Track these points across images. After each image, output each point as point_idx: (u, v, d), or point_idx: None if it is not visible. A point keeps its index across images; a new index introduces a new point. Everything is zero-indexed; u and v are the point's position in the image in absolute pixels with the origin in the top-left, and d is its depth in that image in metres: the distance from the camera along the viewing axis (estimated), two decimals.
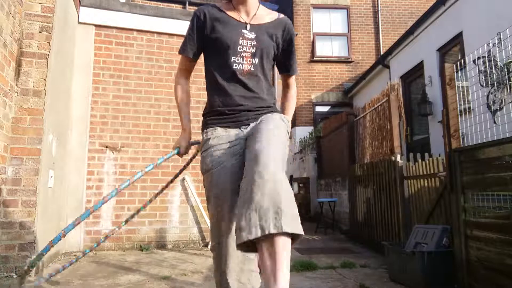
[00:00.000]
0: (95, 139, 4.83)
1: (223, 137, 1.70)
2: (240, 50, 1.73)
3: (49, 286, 3.05)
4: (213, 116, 1.76)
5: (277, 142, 1.53)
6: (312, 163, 9.08)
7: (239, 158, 1.64)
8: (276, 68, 2.03)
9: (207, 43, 1.80)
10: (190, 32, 1.84)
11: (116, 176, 4.84)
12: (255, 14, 1.81)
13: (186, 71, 1.93)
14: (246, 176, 1.41)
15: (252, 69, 1.75)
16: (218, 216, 1.61)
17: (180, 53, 1.89)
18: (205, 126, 1.78)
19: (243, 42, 1.74)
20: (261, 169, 1.35)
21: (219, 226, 1.61)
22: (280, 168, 1.40)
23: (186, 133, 1.92)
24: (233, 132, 1.71)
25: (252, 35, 1.76)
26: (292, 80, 2.00)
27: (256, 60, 1.76)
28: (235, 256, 1.59)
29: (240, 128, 1.72)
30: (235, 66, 1.73)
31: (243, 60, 1.74)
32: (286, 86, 2.00)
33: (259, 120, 1.72)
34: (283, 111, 1.98)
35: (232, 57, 1.73)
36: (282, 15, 1.90)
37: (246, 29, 1.77)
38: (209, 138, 1.72)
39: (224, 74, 1.75)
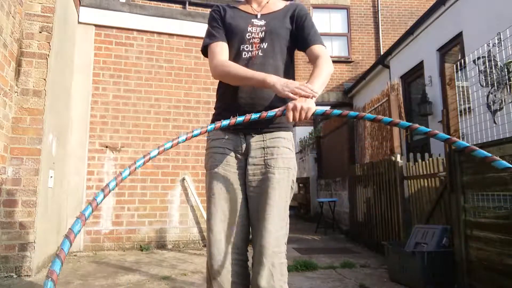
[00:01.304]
0: (95, 139, 4.83)
1: (224, 141, 1.66)
2: (249, 37, 1.68)
3: None
4: (217, 113, 1.72)
5: (278, 221, 1.56)
6: (312, 163, 9.08)
7: (234, 172, 1.64)
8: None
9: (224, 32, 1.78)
10: (212, 24, 1.75)
11: None
12: (267, 3, 1.79)
13: (221, 53, 1.68)
14: (253, 243, 1.59)
15: (260, 53, 1.65)
16: (212, 210, 1.62)
17: (207, 44, 1.71)
18: (211, 122, 1.75)
19: (251, 29, 1.69)
20: (263, 252, 1.52)
21: (213, 219, 1.61)
22: (278, 256, 1.54)
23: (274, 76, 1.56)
24: (232, 141, 1.65)
25: (262, 22, 1.72)
26: (318, 51, 1.66)
27: (265, 45, 1.66)
28: (224, 246, 1.60)
29: (239, 137, 1.64)
30: (244, 54, 1.66)
31: (252, 47, 1.66)
32: (315, 58, 1.66)
33: (263, 153, 1.61)
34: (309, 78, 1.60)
35: (241, 46, 1.67)
36: (293, 1, 1.85)
37: (256, 18, 1.74)
38: (210, 138, 1.71)
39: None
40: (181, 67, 5.22)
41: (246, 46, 1.67)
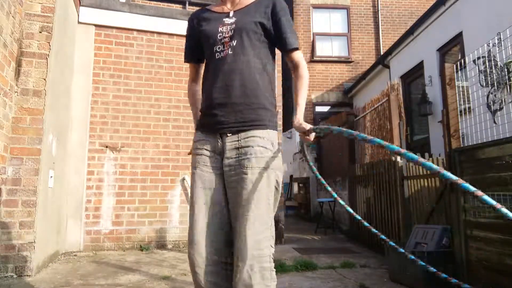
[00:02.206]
0: (95, 139, 4.83)
1: (203, 142, 1.68)
2: (220, 37, 1.66)
3: (49, 286, 3.05)
4: (200, 117, 1.74)
5: (260, 222, 1.52)
6: (312, 163, 9.07)
7: (212, 173, 1.63)
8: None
9: (198, 46, 1.81)
10: (186, 39, 1.88)
11: (116, 176, 4.84)
12: (238, 1, 1.74)
13: (192, 75, 1.93)
14: (234, 241, 1.56)
15: (230, 52, 1.63)
16: (192, 211, 1.64)
17: (184, 61, 1.91)
18: (196, 127, 1.79)
19: (222, 29, 1.67)
20: (240, 254, 1.49)
21: (193, 220, 1.61)
22: (258, 253, 1.50)
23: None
24: (211, 143, 1.65)
25: (232, 20, 1.68)
26: (295, 57, 1.74)
27: (234, 42, 1.63)
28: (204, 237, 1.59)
29: (217, 138, 1.64)
30: (217, 55, 1.66)
31: (223, 46, 1.65)
32: (291, 68, 1.77)
33: (238, 154, 1.58)
34: (295, 94, 1.75)
35: (214, 47, 1.67)
36: None
37: (228, 17, 1.70)
38: (194, 140, 1.75)
39: (209, 67, 1.71)
40: (181, 67, 5.22)
41: (218, 47, 1.67)
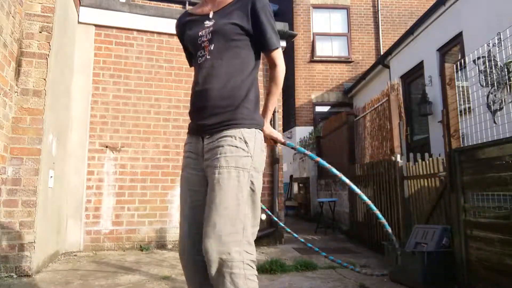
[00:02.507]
0: (95, 139, 4.83)
1: (189, 145, 1.73)
2: (200, 42, 1.65)
3: (49, 286, 3.05)
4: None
5: (225, 220, 1.46)
6: (312, 163, 9.08)
7: (196, 174, 1.66)
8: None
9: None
10: (181, 44, 1.90)
11: (116, 176, 4.84)
12: (218, 1, 1.72)
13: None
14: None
15: (208, 56, 1.62)
16: (180, 213, 1.70)
17: (189, 66, 1.92)
18: None
19: (202, 32, 1.65)
20: (206, 257, 1.45)
21: (181, 221, 1.68)
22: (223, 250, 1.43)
23: None
24: (195, 145, 1.68)
25: (211, 22, 1.66)
26: (274, 56, 1.71)
27: (212, 46, 1.62)
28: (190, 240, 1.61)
29: (199, 140, 1.65)
30: (199, 60, 1.66)
31: (204, 50, 1.65)
32: (270, 65, 1.76)
33: (211, 154, 1.57)
34: (265, 98, 1.78)
35: (197, 52, 1.67)
36: None
37: (208, 19, 1.68)
38: (185, 144, 1.79)
39: (195, 72, 1.72)
40: (181, 67, 5.22)
41: (200, 51, 1.67)
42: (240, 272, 1.41)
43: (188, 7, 9.55)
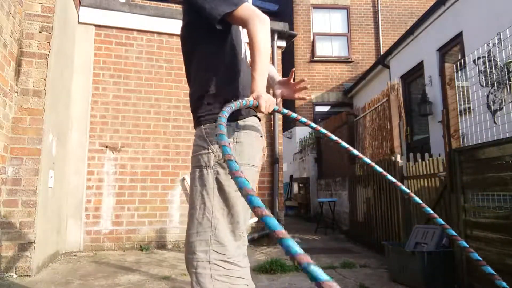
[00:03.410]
0: (95, 139, 4.83)
1: None
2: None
3: (49, 286, 3.05)
4: None
5: (189, 220, 1.48)
6: (312, 163, 9.08)
7: None
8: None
9: None
10: None
11: (116, 176, 4.84)
12: None
13: None
14: None
15: (185, 67, 1.69)
16: None
17: None
18: None
19: None
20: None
21: None
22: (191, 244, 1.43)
23: None
24: None
25: None
26: (233, 18, 1.46)
27: (182, 52, 1.69)
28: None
29: None
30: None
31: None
32: (245, 29, 1.48)
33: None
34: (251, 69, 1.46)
35: None
36: None
37: None
38: None
39: None
40: (181, 67, 5.22)
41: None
42: (205, 272, 1.37)
43: None
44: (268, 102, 1.36)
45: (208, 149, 1.46)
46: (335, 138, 1.67)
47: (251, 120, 1.54)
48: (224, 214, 1.43)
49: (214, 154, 1.45)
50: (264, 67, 1.41)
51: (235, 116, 1.46)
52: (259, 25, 1.41)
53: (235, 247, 1.44)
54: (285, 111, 1.59)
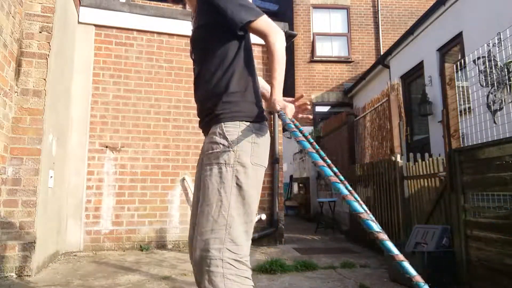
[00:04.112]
0: (95, 139, 4.83)
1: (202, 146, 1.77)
2: (192, 57, 1.73)
3: (49, 286, 3.05)
4: None
5: (204, 218, 1.45)
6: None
7: (199, 173, 1.67)
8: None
9: None
10: None
11: (116, 176, 4.84)
12: (193, 4, 1.73)
13: None
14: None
15: (195, 66, 1.69)
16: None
17: None
18: None
19: (190, 46, 1.74)
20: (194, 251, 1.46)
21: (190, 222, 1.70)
22: (204, 247, 1.42)
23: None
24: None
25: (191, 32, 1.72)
26: (255, 28, 1.55)
27: (193, 55, 1.69)
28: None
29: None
30: (194, 74, 1.73)
31: (194, 63, 1.73)
32: (264, 41, 1.58)
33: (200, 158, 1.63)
34: (270, 77, 1.56)
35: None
36: None
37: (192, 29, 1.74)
38: None
39: None
40: (181, 67, 5.22)
41: (193, 62, 1.72)
42: (218, 270, 1.37)
43: (188, 7, 9.54)
44: (291, 111, 1.58)
45: (229, 147, 1.47)
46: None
47: (265, 123, 1.60)
48: (240, 213, 1.44)
49: (235, 153, 1.47)
50: (282, 76, 1.53)
51: (253, 118, 1.53)
52: (277, 37, 1.54)
53: (247, 247, 1.45)
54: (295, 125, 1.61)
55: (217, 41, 1.58)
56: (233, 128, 1.49)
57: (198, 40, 1.64)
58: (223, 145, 1.47)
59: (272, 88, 1.51)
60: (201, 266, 1.40)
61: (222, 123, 1.50)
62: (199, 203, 1.49)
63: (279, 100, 1.49)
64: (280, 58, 1.53)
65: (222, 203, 1.43)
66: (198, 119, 1.71)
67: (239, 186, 1.45)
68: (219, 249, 1.39)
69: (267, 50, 1.55)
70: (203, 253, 1.40)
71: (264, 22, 1.55)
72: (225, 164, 1.46)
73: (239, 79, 1.56)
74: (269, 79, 1.55)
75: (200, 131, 1.76)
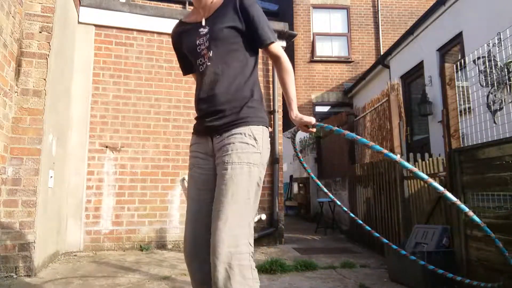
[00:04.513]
0: (95, 139, 4.83)
1: (197, 145, 1.76)
2: (199, 50, 1.69)
3: (49, 286, 3.05)
4: (195, 123, 1.82)
5: (235, 212, 1.51)
6: (312, 163, 9.08)
7: (205, 174, 1.70)
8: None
9: (187, 58, 1.83)
10: (176, 54, 1.93)
11: (116, 176, 4.84)
12: (209, 6, 1.74)
13: (197, 82, 1.88)
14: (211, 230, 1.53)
15: (209, 63, 1.66)
16: (186, 211, 1.74)
17: (183, 75, 1.99)
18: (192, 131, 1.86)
19: (199, 41, 1.69)
20: (215, 251, 1.46)
21: (186, 220, 1.72)
22: (233, 243, 1.47)
23: None
24: (203, 145, 1.72)
25: (206, 29, 1.69)
26: (273, 49, 1.73)
27: (211, 53, 1.66)
28: (197, 243, 1.64)
29: (208, 141, 1.69)
30: (200, 68, 1.70)
31: (203, 58, 1.69)
32: (272, 60, 1.79)
33: (221, 152, 1.61)
34: (283, 91, 1.78)
35: (196, 60, 1.72)
36: None
37: (202, 26, 1.72)
38: (190, 144, 1.82)
39: (197, 80, 1.77)
40: None
41: (199, 59, 1.70)
42: (247, 263, 1.47)
43: (188, 7, 9.55)
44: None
45: (258, 149, 1.61)
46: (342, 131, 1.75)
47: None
48: (254, 210, 1.60)
49: (260, 154, 1.62)
50: (295, 92, 1.79)
51: (265, 123, 1.69)
52: (287, 59, 1.77)
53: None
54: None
55: (242, 48, 1.69)
56: (259, 132, 1.64)
57: (222, 39, 1.66)
58: (253, 146, 1.60)
59: (293, 104, 1.73)
60: (229, 261, 1.44)
61: (251, 126, 1.63)
62: (224, 199, 1.52)
63: (298, 113, 1.72)
64: (292, 76, 1.76)
65: (248, 201, 1.55)
66: (203, 113, 1.68)
67: (258, 186, 1.61)
68: (246, 244, 1.49)
69: (282, 70, 1.75)
70: (232, 249, 1.45)
71: (279, 45, 1.77)
72: (253, 164, 1.59)
73: (258, 89, 1.73)
74: (287, 94, 1.75)
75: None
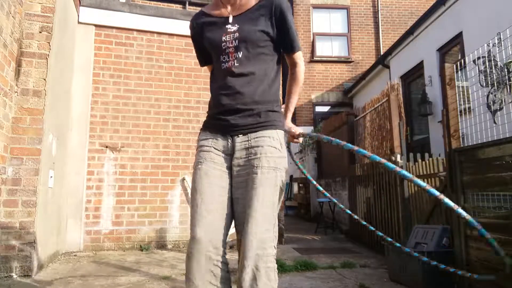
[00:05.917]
0: (95, 139, 4.83)
1: (212, 140, 1.68)
2: (224, 47, 1.64)
3: (49, 286, 3.05)
4: (208, 118, 1.77)
5: (265, 215, 1.53)
6: (312, 163, 9.08)
7: (218, 169, 1.63)
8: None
9: (206, 50, 1.78)
10: (193, 45, 1.88)
11: (116, 176, 4.84)
12: (239, 4, 1.69)
13: (211, 74, 1.86)
14: (242, 234, 1.54)
15: (236, 63, 1.62)
16: (194, 207, 1.61)
17: (200, 66, 1.95)
18: (202, 127, 1.79)
19: (226, 37, 1.64)
20: (245, 254, 1.49)
21: (195, 216, 1.58)
22: (262, 249, 1.50)
23: None
24: (220, 142, 1.66)
25: (235, 27, 1.64)
26: (297, 56, 1.80)
27: (239, 54, 1.62)
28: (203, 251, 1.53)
29: (227, 139, 1.64)
30: (223, 66, 1.65)
31: (228, 57, 1.64)
32: (291, 65, 1.83)
33: (248, 154, 1.59)
34: (287, 98, 1.85)
35: (220, 56, 1.66)
36: None
37: (229, 23, 1.66)
38: (200, 139, 1.74)
39: (217, 76, 1.72)
40: (181, 67, 5.22)
41: (223, 56, 1.66)
42: (273, 265, 1.52)
43: (188, 7, 9.55)
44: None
45: (283, 154, 1.65)
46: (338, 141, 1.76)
47: None
48: (277, 213, 1.62)
49: (285, 159, 1.66)
50: (295, 103, 1.90)
51: (283, 127, 1.73)
52: (304, 68, 1.85)
53: None
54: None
55: (270, 52, 1.69)
56: (282, 137, 1.69)
57: (253, 41, 1.64)
58: (279, 150, 1.63)
59: (289, 113, 1.82)
60: (257, 263, 1.47)
61: (278, 130, 1.66)
62: (254, 203, 1.52)
63: (292, 125, 1.85)
64: (300, 88, 1.86)
65: (274, 205, 1.58)
66: (226, 109, 1.63)
67: (281, 190, 1.64)
68: (272, 246, 1.54)
69: (295, 78, 1.83)
70: (260, 251, 1.48)
71: (301, 54, 1.82)
72: (280, 169, 1.61)
73: (280, 94, 1.78)
74: (287, 102, 1.83)
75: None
